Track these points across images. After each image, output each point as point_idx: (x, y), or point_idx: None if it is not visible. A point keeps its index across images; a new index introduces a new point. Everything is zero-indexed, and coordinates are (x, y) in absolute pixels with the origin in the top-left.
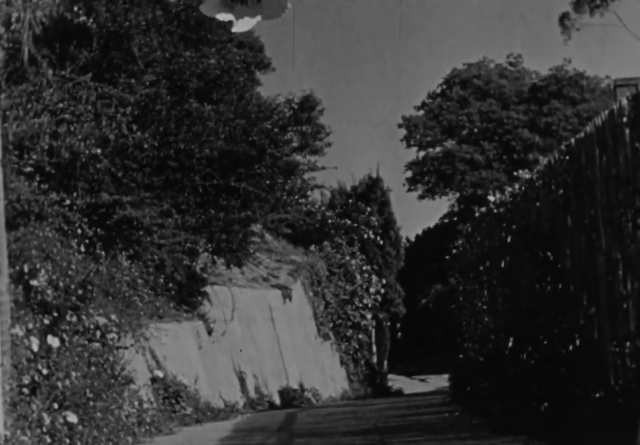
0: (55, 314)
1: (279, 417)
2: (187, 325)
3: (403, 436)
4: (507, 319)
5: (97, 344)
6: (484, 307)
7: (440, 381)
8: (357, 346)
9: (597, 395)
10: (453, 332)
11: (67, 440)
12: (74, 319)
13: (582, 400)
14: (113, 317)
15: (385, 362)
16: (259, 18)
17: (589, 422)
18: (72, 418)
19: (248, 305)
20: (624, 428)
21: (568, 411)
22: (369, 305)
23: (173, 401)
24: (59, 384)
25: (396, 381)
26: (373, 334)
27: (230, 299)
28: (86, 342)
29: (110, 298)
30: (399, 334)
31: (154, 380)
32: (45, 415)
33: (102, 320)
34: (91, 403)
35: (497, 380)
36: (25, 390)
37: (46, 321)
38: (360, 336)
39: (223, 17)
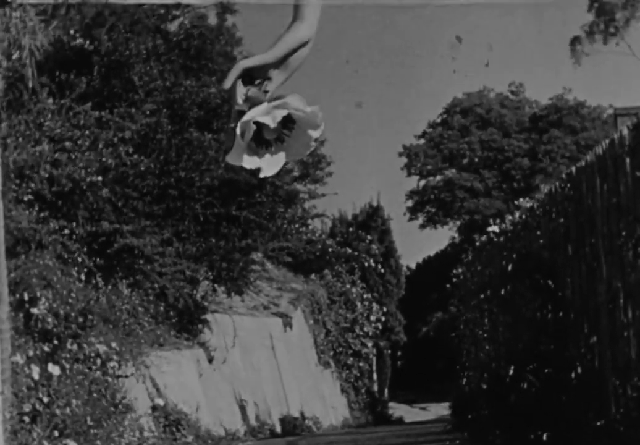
0: (55, 342)
1: None
2: (188, 353)
3: None
4: (507, 347)
5: (97, 372)
6: (485, 335)
7: (440, 409)
8: (357, 374)
9: (598, 423)
10: (454, 360)
11: None
12: (75, 346)
13: (583, 429)
14: (113, 345)
15: (386, 390)
16: (284, 159)
17: None
18: None
19: (248, 333)
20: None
21: (569, 439)
22: (370, 333)
23: (174, 429)
24: (60, 411)
25: (397, 409)
26: (374, 362)
27: (231, 326)
28: (87, 370)
29: (110, 326)
30: (400, 362)
31: (154, 408)
32: (46, 443)
33: (102, 349)
34: (92, 431)
35: (498, 409)
36: (25, 418)
37: (46, 349)
38: (360, 364)
39: (250, 164)
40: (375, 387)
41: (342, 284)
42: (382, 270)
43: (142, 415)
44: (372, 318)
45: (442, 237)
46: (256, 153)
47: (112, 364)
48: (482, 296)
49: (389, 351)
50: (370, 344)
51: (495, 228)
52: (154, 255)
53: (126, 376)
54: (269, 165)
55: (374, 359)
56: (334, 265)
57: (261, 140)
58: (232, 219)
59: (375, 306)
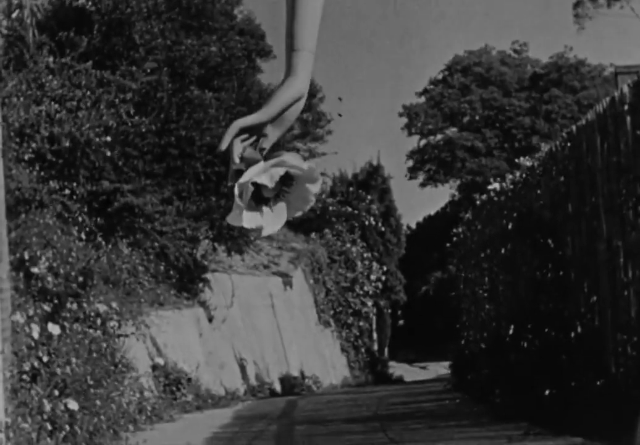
0: (55, 301)
1: (280, 404)
2: (188, 312)
3: (404, 423)
4: (507, 306)
5: (97, 332)
6: (485, 294)
7: (440, 368)
8: (357, 333)
9: (598, 382)
10: (454, 320)
11: (68, 427)
12: (75, 306)
13: (583, 388)
14: (114, 304)
15: (386, 350)
16: (285, 216)
17: (590, 409)
18: (73, 405)
19: (248, 293)
20: (625, 415)
21: (569, 398)
22: (370, 292)
23: (174, 388)
24: (60, 371)
25: (397, 368)
26: (374, 321)
27: (231, 286)
28: (87, 330)
29: (110, 285)
30: (401, 321)
31: (154, 367)
32: (45, 402)
33: (102, 308)
34: (92, 390)
35: (498, 368)
36: (25, 377)
37: (47, 308)
38: (361, 323)
39: (250, 224)
40: (375, 347)
41: (342, 243)
42: (382, 230)
43: (142, 374)
44: (372, 277)
45: (442, 196)
46: (256, 211)
47: (112, 323)
48: (482, 255)
49: (389, 310)
50: (370, 303)
51: (496, 185)
52: (155, 214)
53: (126, 335)
54: (270, 222)
55: (374, 318)
56: (334, 225)
57: (260, 199)
58: None
59: (375, 265)
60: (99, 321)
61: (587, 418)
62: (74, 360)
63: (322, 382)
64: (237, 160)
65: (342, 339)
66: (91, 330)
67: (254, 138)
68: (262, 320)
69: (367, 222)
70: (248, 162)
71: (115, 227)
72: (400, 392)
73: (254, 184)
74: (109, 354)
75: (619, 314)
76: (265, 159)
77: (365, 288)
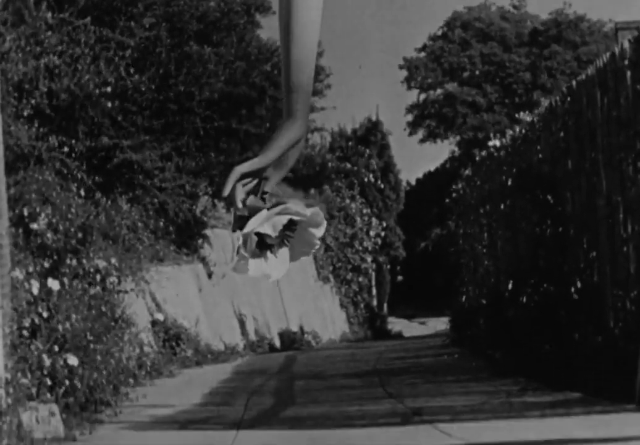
0: (55, 258)
1: (279, 359)
2: (187, 268)
3: (402, 378)
4: (507, 262)
5: (97, 288)
6: (484, 250)
7: (439, 324)
8: (357, 289)
9: (597, 338)
10: (453, 276)
11: (68, 382)
12: (74, 262)
13: (582, 343)
14: (113, 260)
15: (385, 305)
16: (289, 261)
17: (588, 365)
18: (73, 360)
19: None
20: (624, 370)
21: (568, 354)
22: (369, 248)
23: (173, 344)
24: (59, 326)
25: (396, 324)
26: (373, 277)
27: (230, 242)
28: (86, 286)
29: (110, 242)
30: (400, 277)
31: (154, 323)
32: (45, 357)
33: (102, 264)
34: (91, 346)
35: (497, 323)
36: (25, 333)
37: (46, 264)
38: (360, 279)
39: (256, 272)
40: (374, 302)
41: (341, 199)
42: (382, 186)
43: (141, 330)
44: (372, 233)
45: (441, 152)
46: (261, 257)
47: (111, 279)
48: (481, 211)
49: (388, 266)
50: (369, 259)
51: (496, 142)
52: (154, 170)
53: (126, 291)
54: (275, 268)
55: (373, 274)
56: (333, 181)
57: (265, 245)
58: (232, 133)
59: (374, 221)
60: (98, 277)
61: (585, 373)
62: (73, 316)
63: (321, 338)
64: (239, 205)
65: (341, 295)
66: (91, 287)
67: (255, 181)
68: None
69: (366, 179)
70: (251, 210)
71: (115, 184)
72: (399, 347)
73: (257, 233)
74: (108, 310)
75: (618, 270)
76: (266, 202)
77: (365, 244)
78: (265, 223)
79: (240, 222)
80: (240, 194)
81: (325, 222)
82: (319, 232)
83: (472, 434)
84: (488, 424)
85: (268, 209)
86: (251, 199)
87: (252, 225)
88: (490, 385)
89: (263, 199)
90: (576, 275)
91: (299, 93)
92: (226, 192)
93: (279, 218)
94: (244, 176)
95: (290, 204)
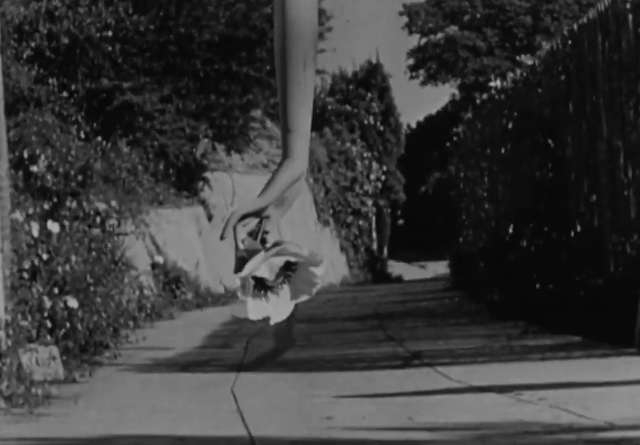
0: (55, 200)
1: None
2: (187, 211)
3: (403, 321)
4: (507, 205)
5: (97, 230)
6: (484, 194)
7: (439, 268)
8: (357, 233)
9: (597, 282)
10: (453, 220)
11: (68, 325)
12: (74, 204)
13: (582, 287)
14: (113, 203)
15: (386, 249)
16: (292, 302)
17: (589, 309)
18: (73, 303)
19: (248, 192)
20: (624, 314)
21: (567, 298)
22: (369, 192)
23: (173, 287)
24: (59, 269)
25: (396, 267)
26: (373, 221)
27: (230, 185)
28: (86, 228)
29: (110, 184)
30: (400, 220)
31: (154, 266)
32: (45, 299)
33: (102, 206)
34: (91, 288)
35: (497, 267)
36: (25, 275)
37: (46, 207)
38: (360, 223)
39: (257, 315)
40: (375, 246)
41: (341, 142)
42: (382, 129)
43: (141, 273)
44: (372, 177)
45: (442, 95)
46: (261, 299)
47: (111, 221)
48: (482, 155)
49: (389, 210)
50: (369, 203)
51: (497, 83)
52: (154, 112)
53: (126, 234)
54: (278, 310)
55: (374, 217)
56: (334, 124)
57: (265, 287)
58: (232, 75)
59: (375, 165)
60: (98, 220)
61: (586, 317)
62: (73, 258)
63: (321, 281)
64: (240, 246)
65: (342, 238)
66: (91, 229)
67: (256, 221)
68: None
69: (366, 122)
70: (249, 253)
71: (115, 126)
72: (399, 290)
73: (254, 276)
74: (108, 253)
75: (619, 214)
76: (266, 242)
77: (365, 187)
78: (262, 265)
79: (239, 264)
80: (241, 235)
81: (325, 262)
82: (319, 271)
83: (472, 377)
84: (488, 367)
85: (265, 251)
86: (249, 241)
87: (249, 268)
88: (491, 329)
89: (264, 239)
90: (576, 220)
91: (297, 133)
92: (226, 234)
93: (275, 260)
94: (244, 217)
95: (287, 244)
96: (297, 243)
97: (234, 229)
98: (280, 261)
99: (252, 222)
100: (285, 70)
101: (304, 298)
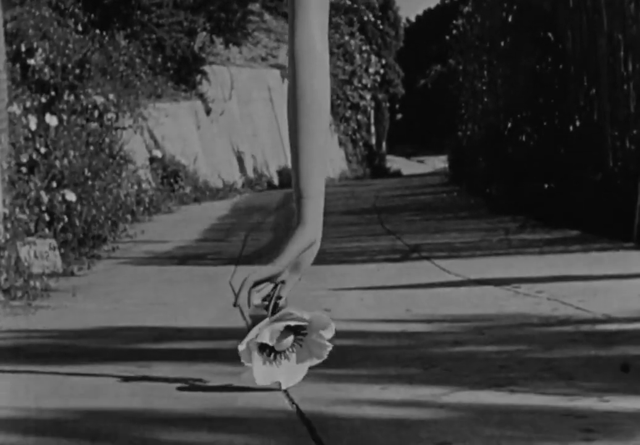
0: (52, 93)
1: (277, 196)
2: (186, 104)
3: (401, 215)
4: (506, 99)
5: (95, 124)
6: (484, 87)
7: (438, 162)
8: (355, 127)
9: (596, 176)
10: (452, 114)
11: (66, 219)
12: (72, 98)
13: (581, 182)
14: (111, 96)
15: (384, 143)
16: (305, 366)
17: (587, 203)
18: (71, 196)
19: (246, 85)
20: (622, 208)
21: (566, 192)
22: (368, 85)
23: (172, 181)
24: (57, 163)
25: (394, 162)
26: (372, 115)
27: (229, 78)
28: (84, 122)
29: (108, 77)
30: (399, 115)
31: (152, 160)
32: (43, 193)
33: (99, 100)
34: (89, 182)
35: (496, 161)
36: (23, 168)
37: (43, 100)
38: (359, 117)
39: (265, 381)
40: (373, 140)
41: (340, 36)
42: (381, 22)
43: (140, 167)
44: (371, 70)
45: None
46: (271, 365)
47: (109, 115)
48: (481, 48)
49: (387, 104)
50: (368, 97)
51: None
52: (151, 6)
53: (124, 128)
54: (289, 374)
55: (372, 111)
56: (333, 17)
57: (275, 352)
58: None
59: (373, 58)
60: (96, 113)
61: (584, 211)
62: (71, 152)
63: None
64: (251, 311)
65: (340, 133)
66: (89, 123)
67: (271, 286)
68: (260, 113)
69: (365, 17)
70: (254, 320)
71: (112, 19)
72: (397, 185)
73: (260, 343)
74: (106, 147)
75: (618, 108)
76: (276, 309)
77: (364, 81)
78: (263, 331)
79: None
80: (256, 300)
81: (333, 325)
82: (328, 333)
83: (470, 271)
84: (486, 260)
85: (270, 317)
86: (254, 308)
87: (251, 335)
88: (489, 223)
89: (277, 305)
90: (576, 114)
91: (310, 199)
92: (240, 302)
93: (275, 326)
94: (258, 283)
95: (290, 309)
96: (298, 308)
97: (249, 294)
98: (280, 326)
99: (267, 288)
100: (298, 141)
101: (315, 362)
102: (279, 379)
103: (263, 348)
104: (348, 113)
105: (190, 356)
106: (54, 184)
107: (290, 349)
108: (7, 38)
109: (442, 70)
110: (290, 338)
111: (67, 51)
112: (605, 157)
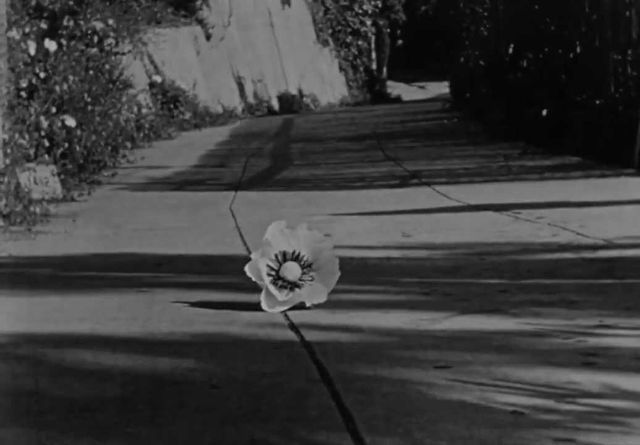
0: (52, 18)
1: (277, 122)
2: (185, 30)
3: (401, 141)
4: (507, 25)
5: (94, 49)
6: (485, 13)
7: (439, 88)
8: (356, 52)
9: (597, 102)
10: (453, 40)
11: (66, 144)
12: (71, 23)
13: (582, 108)
14: (110, 22)
15: (385, 69)
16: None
17: (588, 129)
18: (70, 122)
19: (246, 11)
20: (623, 134)
21: (567, 118)
22: (369, 11)
23: (171, 106)
24: (57, 88)
25: (395, 88)
26: (372, 41)
27: (229, 3)
28: (83, 47)
29: (107, 3)
30: (399, 41)
31: (152, 85)
32: (43, 119)
33: (99, 25)
34: (89, 107)
35: (497, 87)
36: (23, 93)
37: (43, 25)
38: (359, 43)
39: (271, 307)
40: (374, 66)
41: None
42: None
43: (140, 92)
44: None
45: None
46: (287, 291)
47: (109, 41)
48: None
49: (388, 30)
50: (369, 23)
51: None
52: None
53: (123, 53)
54: (313, 293)
55: (373, 37)
56: None
57: (290, 283)
58: None
59: None
60: (95, 39)
61: (585, 138)
62: (71, 77)
63: (320, 101)
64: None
65: (341, 58)
66: (88, 48)
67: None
68: (261, 39)
69: None
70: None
71: None
72: (398, 111)
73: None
74: (106, 72)
75: (620, 34)
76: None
77: (364, 7)
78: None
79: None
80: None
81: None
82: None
83: (470, 196)
84: (486, 186)
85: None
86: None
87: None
88: (489, 149)
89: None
90: (577, 39)
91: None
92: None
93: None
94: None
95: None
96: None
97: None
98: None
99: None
100: None
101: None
102: (304, 299)
103: (275, 281)
104: (348, 39)
105: (189, 283)
106: (54, 109)
107: (306, 282)
108: None
109: None
110: (296, 267)
111: None
112: (606, 83)
